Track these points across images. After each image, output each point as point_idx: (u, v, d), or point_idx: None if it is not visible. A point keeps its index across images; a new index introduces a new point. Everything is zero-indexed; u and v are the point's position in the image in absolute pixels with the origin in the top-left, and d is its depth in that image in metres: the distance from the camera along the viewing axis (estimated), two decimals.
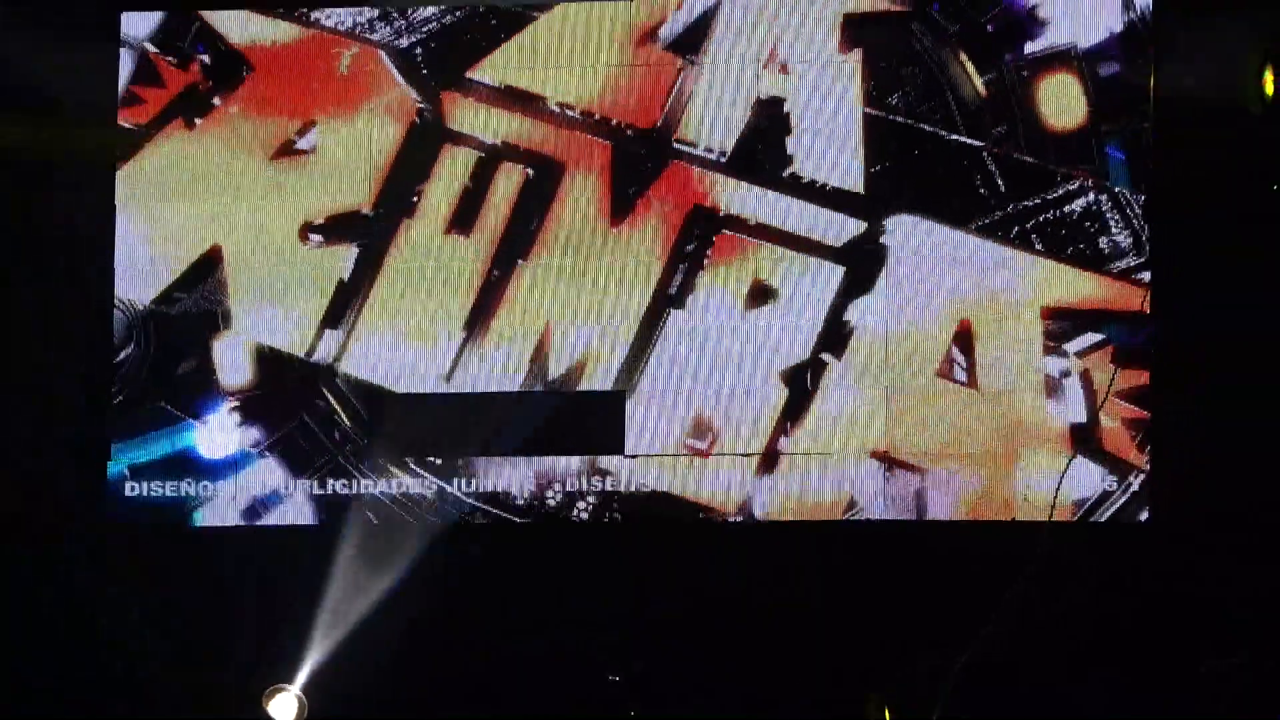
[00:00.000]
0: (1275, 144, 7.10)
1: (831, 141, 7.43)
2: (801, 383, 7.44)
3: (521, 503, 7.58)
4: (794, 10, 7.44)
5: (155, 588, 7.69)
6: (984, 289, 7.36)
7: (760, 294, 7.47)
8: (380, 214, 7.65)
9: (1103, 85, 7.31)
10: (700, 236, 7.50)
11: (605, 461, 7.53)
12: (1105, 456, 7.29)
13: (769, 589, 7.48)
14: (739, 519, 7.48)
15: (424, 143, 7.61)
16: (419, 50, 7.63)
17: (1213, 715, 7.25)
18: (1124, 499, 7.29)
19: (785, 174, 7.46)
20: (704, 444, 7.49)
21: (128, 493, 7.71)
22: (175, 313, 7.72)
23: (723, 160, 7.49)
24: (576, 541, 7.61)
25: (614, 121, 7.53)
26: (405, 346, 7.63)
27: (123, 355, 7.72)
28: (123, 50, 7.76)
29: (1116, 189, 7.30)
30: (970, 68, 7.39)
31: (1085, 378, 7.30)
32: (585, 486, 7.55)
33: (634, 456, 7.52)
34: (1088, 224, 7.32)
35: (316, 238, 7.68)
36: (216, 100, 7.72)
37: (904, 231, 7.40)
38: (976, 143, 7.37)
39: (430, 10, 7.61)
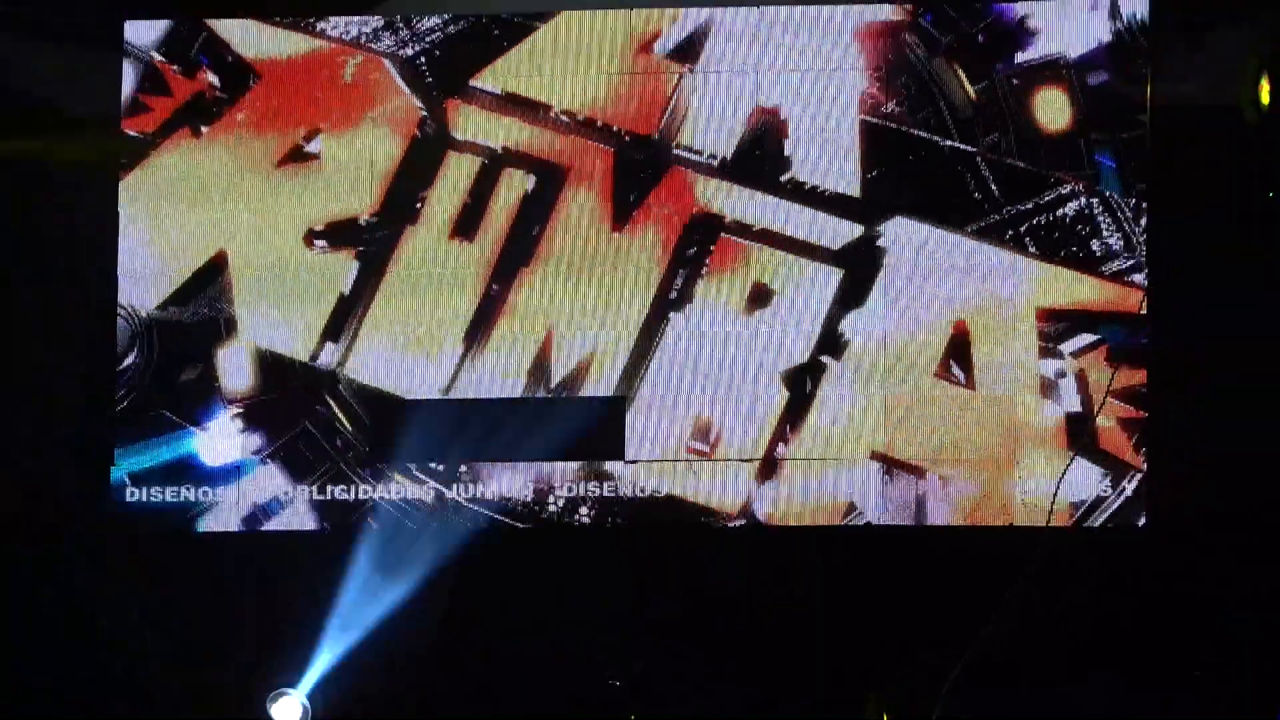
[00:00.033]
0: (1270, 149, 7.25)
1: (828, 147, 7.56)
2: (801, 385, 7.55)
3: (523, 508, 7.64)
4: (791, 19, 7.59)
5: (155, 588, 7.69)
6: (979, 291, 7.49)
7: (760, 297, 7.58)
8: (384, 220, 7.73)
9: (1092, 94, 7.47)
10: (700, 241, 7.61)
11: (606, 466, 7.60)
12: (1102, 456, 7.40)
13: (769, 590, 7.54)
14: (741, 522, 7.56)
15: (428, 150, 7.71)
16: (423, 59, 7.74)
17: (1212, 715, 7.34)
18: (1121, 500, 7.40)
19: (783, 179, 7.59)
20: (706, 446, 7.57)
21: (128, 499, 7.73)
22: (179, 319, 7.76)
23: (722, 166, 7.61)
24: (578, 546, 7.65)
25: (615, 128, 7.65)
26: (408, 352, 7.69)
27: (126, 362, 7.76)
28: (126, 59, 7.81)
29: (1106, 193, 7.46)
30: (963, 77, 7.55)
31: (1081, 377, 7.43)
32: (587, 492, 7.62)
33: (634, 462, 7.60)
34: (1079, 227, 7.47)
35: (321, 243, 7.75)
36: (224, 108, 7.80)
37: (900, 235, 7.53)
38: (970, 148, 7.52)
39: (434, 20, 7.73)
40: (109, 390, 7.75)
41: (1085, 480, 7.40)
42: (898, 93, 7.55)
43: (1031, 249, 7.47)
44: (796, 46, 7.59)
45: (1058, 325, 7.45)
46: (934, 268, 7.51)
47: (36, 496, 7.76)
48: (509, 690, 7.63)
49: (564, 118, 7.67)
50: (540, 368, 7.64)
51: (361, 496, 7.69)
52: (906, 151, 7.54)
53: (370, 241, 7.73)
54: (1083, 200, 7.46)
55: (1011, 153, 7.50)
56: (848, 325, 7.54)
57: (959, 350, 7.49)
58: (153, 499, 7.73)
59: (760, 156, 7.59)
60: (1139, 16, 7.47)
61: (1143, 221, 7.43)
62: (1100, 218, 7.46)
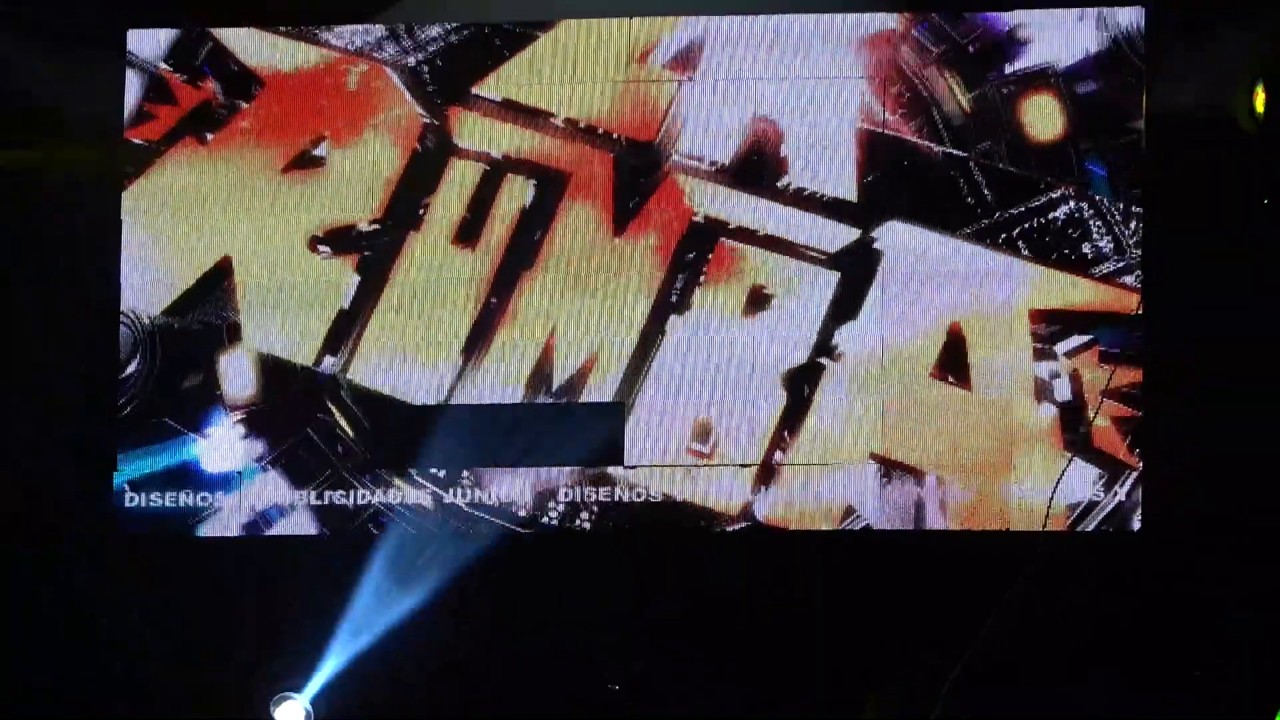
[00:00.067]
0: (1263, 156, 7.41)
1: (825, 154, 7.69)
2: (800, 387, 7.64)
3: (524, 513, 7.69)
4: (790, 29, 7.73)
5: (156, 589, 7.70)
6: (973, 293, 7.61)
7: (758, 301, 7.68)
8: (388, 226, 7.81)
9: (1081, 103, 7.63)
10: (699, 246, 7.72)
11: (607, 471, 7.67)
12: (1097, 455, 7.50)
13: (769, 592, 7.59)
14: (740, 526, 7.62)
15: (430, 157, 7.81)
16: (425, 68, 7.85)
17: (1209, 717, 7.41)
18: (1116, 500, 7.49)
19: (780, 184, 7.71)
20: (706, 449, 7.64)
21: (129, 505, 7.74)
22: (182, 326, 7.81)
23: (720, 172, 7.73)
24: (579, 551, 7.69)
25: (615, 135, 7.76)
26: (410, 357, 7.75)
27: (129, 370, 7.79)
28: (130, 68, 7.90)
29: (1097, 197, 7.61)
30: (955, 86, 7.70)
31: (1074, 377, 7.54)
32: (587, 497, 7.67)
33: (634, 466, 7.66)
34: (1070, 230, 7.60)
35: (325, 250, 7.82)
36: (229, 116, 7.88)
37: (896, 238, 7.66)
38: (963, 154, 7.66)
39: (436, 29, 7.84)
40: (111, 396, 7.77)
41: (1080, 481, 7.50)
42: (893, 100, 7.70)
43: (1024, 252, 7.60)
44: (794, 56, 7.73)
45: (1051, 327, 7.57)
46: (929, 270, 7.63)
47: (39, 502, 7.76)
48: (510, 695, 7.64)
49: (565, 124, 7.78)
50: (541, 372, 7.71)
51: (362, 502, 7.73)
52: (902, 157, 7.67)
53: (374, 248, 7.81)
54: (1073, 204, 7.60)
55: (1004, 159, 7.65)
56: (845, 328, 7.64)
57: (954, 352, 7.60)
58: (153, 505, 7.75)
59: (758, 162, 7.71)
60: (1125, 27, 7.63)
61: (1132, 225, 7.57)
62: (1091, 221, 7.60)
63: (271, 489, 7.75)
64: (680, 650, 7.61)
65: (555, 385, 7.70)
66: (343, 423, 7.76)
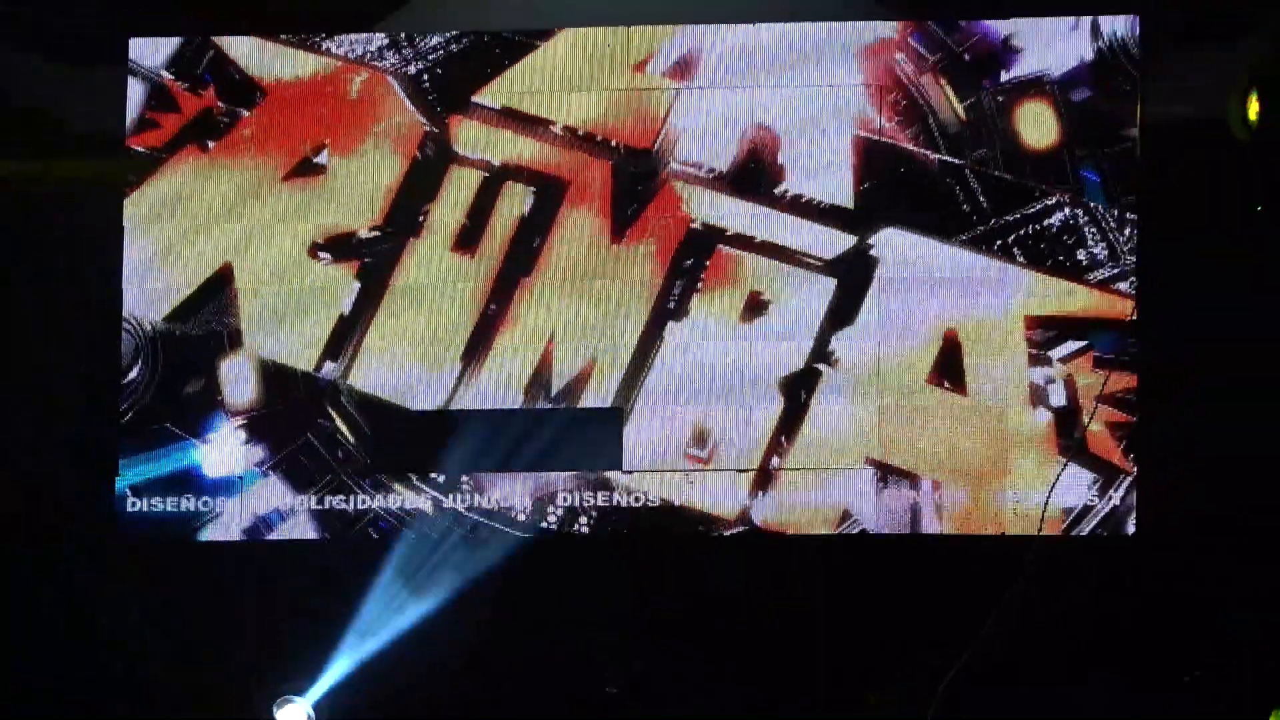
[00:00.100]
0: (1256, 163, 7.47)
1: (822, 161, 7.75)
2: (797, 393, 7.69)
3: (523, 518, 7.74)
4: (787, 37, 7.80)
5: (157, 592, 7.74)
6: (969, 299, 7.67)
7: (755, 307, 7.74)
8: (388, 233, 7.87)
9: (1075, 111, 7.69)
10: (697, 253, 7.78)
11: (606, 476, 7.72)
12: (1092, 460, 7.56)
13: (767, 595, 7.64)
14: (738, 530, 7.67)
15: (431, 164, 7.86)
16: (426, 76, 7.91)
17: (1207, 718, 7.45)
18: (1111, 504, 7.55)
19: (778, 191, 7.77)
20: (704, 453, 7.69)
21: (130, 509, 7.79)
22: (183, 333, 7.86)
23: (718, 179, 7.80)
24: (578, 555, 7.74)
25: (613, 143, 7.82)
26: (410, 363, 7.80)
27: (130, 376, 7.84)
28: (132, 77, 7.94)
29: (1091, 204, 7.68)
30: (951, 94, 7.77)
31: (1069, 383, 7.60)
32: (586, 501, 7.72)
33: (632, 472, 7.71)
34: (1065, 237, 7.67)
35: (325, 256, 7.87)
36: (231, 125, 7.93)
37: (892, 244, 7.71)
38: (958, 161, 7.72)
39: (437, 38, 7.91)
40: (113, 402, 7.81)
41: (1075, 485, 7.56)
42: (890, 108, 7.76)
43: (1019, 258, 7.66)
44: (791, 64, 7.79)
45: (1046, 333, 7.63)
46: (925, 277, 7.69)
47: (42, 507, 7.80)
48: (509, 697, 7.68)
49: (564, 132, 7.84)
50: (540, 378, 7.77)
51: (362, 507, 7.77)
52: (898, 165, 7.74)
53: (374, 254, 7.86)
54: (1068, 211, 7.67)
55: (999, 166, 7.71)
56: (841, 334, 7.70)
57: (950, 357, 7.66)
58: (154, 510, 7.79)
59: (755, 170, 7.78)
60: (1119, 35, 7.70)
61: (1127, 231, 7.63)
62: (1085, 228, 7.66)
63: (272, 494, 7.80)
64: (679, 653, 7.66)
65: (554, 391, 7.76)
66: (343, 428, 7.81)
